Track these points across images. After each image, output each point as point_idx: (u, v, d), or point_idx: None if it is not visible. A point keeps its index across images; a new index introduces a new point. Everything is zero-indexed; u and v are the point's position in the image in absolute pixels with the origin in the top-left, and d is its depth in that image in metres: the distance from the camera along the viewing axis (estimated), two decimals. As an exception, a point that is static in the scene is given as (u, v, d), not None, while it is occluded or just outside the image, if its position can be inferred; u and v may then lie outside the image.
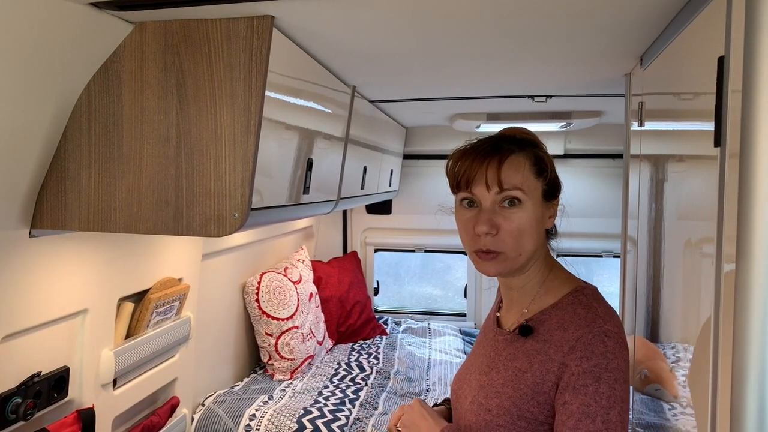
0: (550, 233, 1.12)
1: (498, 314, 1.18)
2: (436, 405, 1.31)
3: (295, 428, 2.20)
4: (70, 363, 1.47)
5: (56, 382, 1.42)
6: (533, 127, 2.76)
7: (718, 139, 0.77)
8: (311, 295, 3.05)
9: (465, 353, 3.27)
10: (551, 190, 1.06)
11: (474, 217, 1.02)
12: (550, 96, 2.15)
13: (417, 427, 1.12)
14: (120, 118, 1.19)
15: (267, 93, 1.15)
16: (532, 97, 2.17)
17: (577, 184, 3.36)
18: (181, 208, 1.17)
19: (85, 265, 1.47)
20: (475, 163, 1.03)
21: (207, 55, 1.14)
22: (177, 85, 1.16)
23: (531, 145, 1.06)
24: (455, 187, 1.07)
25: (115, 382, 1.65)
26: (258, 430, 2.20)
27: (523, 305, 1.09)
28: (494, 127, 2.81)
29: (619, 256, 2.80)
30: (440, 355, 3.19)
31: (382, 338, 3.41)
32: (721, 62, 0.76)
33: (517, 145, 1.04)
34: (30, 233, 1.24)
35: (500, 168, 1.00)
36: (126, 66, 1.18)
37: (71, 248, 1.41)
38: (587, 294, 1.04)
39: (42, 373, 1.37)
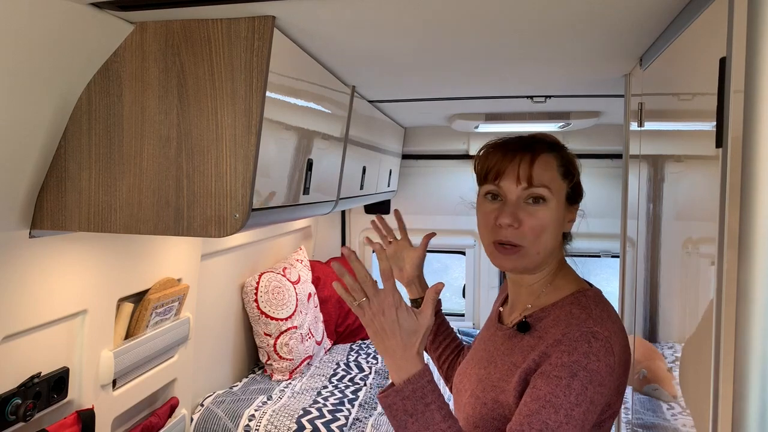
0: (566, 237, 1.14)
1: (501, 309, 1.20)
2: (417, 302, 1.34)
3: (294, 428, 2.20)
4: (69, 364, 1.47)
5: (56, 383, 1.41)
6: (532, 127, 2.78)
7: (720, 140, 0.77)
8: (310, 295, 3.05)
9: (463, 353, 3.28)
10: (574, 194, 1.09)
11: (497, 209, 1.05)
12: (549, 96, 2.16)
13: (383, 334, 0.96)
14: (120, 118, 1.18)
15: (268, 93, 1.15)
16: (531, 97, 2.17)
17: (575, 184, 3.36)
18: (182, 208, 1.17)
19: (84, 266, 1.47)
20: (506, 157, 1.05)
21: (208, 55, 1.14)
22: (178, 86, 1.16)
23: (560, 149, 1.09)
24: (483, 179, 1.09)
25: (114, 382, 1.65)
26: (257, 430, 2.20)
27: (527, 302, 1.11)
28: (493, 128, 2.84)
29: (617, 256, 2.80)
30: (439, 355, 3.19)
31: (380, 338, 3.41)
32: (723, 63, 0.76)
33: (547, 145, 1.07)
34: (30, 234, 1.24)
35: (533, 164, 1.03)
36: (127, 66, 1.18)
37: (71, 249, 1.41)
38: (588, 296, 1.05)
39: (42, 374, 1.36)
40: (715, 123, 0.79)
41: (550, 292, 1.08)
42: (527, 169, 1.03)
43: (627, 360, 1.00)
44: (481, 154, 1.12)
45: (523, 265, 1.05)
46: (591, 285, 1.11)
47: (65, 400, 1.46)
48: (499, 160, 1.06)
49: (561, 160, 1.06)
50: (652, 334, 1.35)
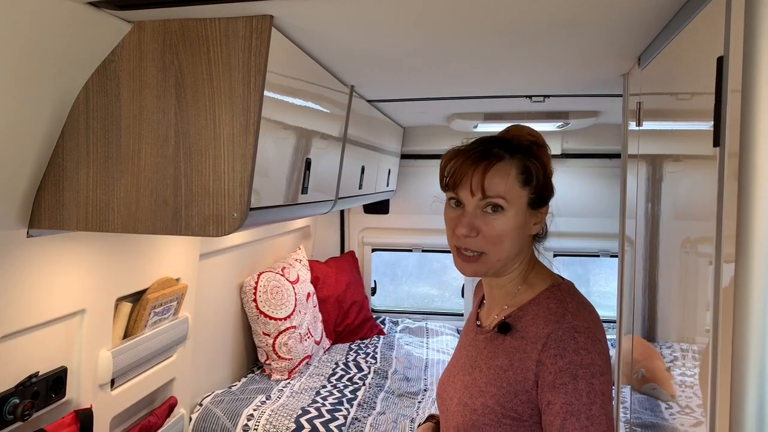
0: (539, 235, 1.13)
1: (479, 311, 1.20)
2: (420, 425, 1.32)
3: (293, 428, 2.20)
4: (67, 363, 1.47)
5: (54, 383, 1.41)
6: (530, 126, 2.77)
7: (718, 139, 0.77)
8: (309, 294, 3.05)
9: (462, 353, 3.28)
10: (539, 198, 1.06)
11: (458, 218, 1.05)
12: (548, 96, 2.16)
13: None
14: (118, 117, 1.18)
15: (266, 93, 1.15)
16: (530, 97, 2.17)
17: (574, 183, 3.37)
18: (180, 208, 1.16)
19: (82, 265, 1.46)
20: (463, 168, 1.04)
21: (206, 54, 1.14)
22: (176, 85, 1.16)
23: (524, 152, 1.05)
24: (445, 186, 1.09)
25: (113, 382, 1.65)
26: (256, 430, 2.20)
27: (504, 303, 1.11)
28: (492, 127, 2.83)
29: (616, 256, 2.80)
30: (438, 355, 3.19)
31: (379, 338, 3.41)
32: (720, 62, 0.76)
33: (509, 151, 1.04)
34: (28, 233, 1.24)
35: (485, 175, 1.02)
36: (124, 65, 1.18)
37: (69, 248, 1.41)
38: (563, 289, 1.07)
39: (40, 374, 1.36)
40: (712, 122, 0.79)
41: (525, 290, 1.09)
42: (480, 181, 1.01)
43: (607, 346, 1.02)
44: (443, 159, 1.10)
45: (483, 272, 1.06)
46: (563, 279, 1.12)
47: (63, 400, 1.46)
48: (457, 169, 1.05)
49: (521, 168, 1.03)
50: (650, 334, 1.35)
